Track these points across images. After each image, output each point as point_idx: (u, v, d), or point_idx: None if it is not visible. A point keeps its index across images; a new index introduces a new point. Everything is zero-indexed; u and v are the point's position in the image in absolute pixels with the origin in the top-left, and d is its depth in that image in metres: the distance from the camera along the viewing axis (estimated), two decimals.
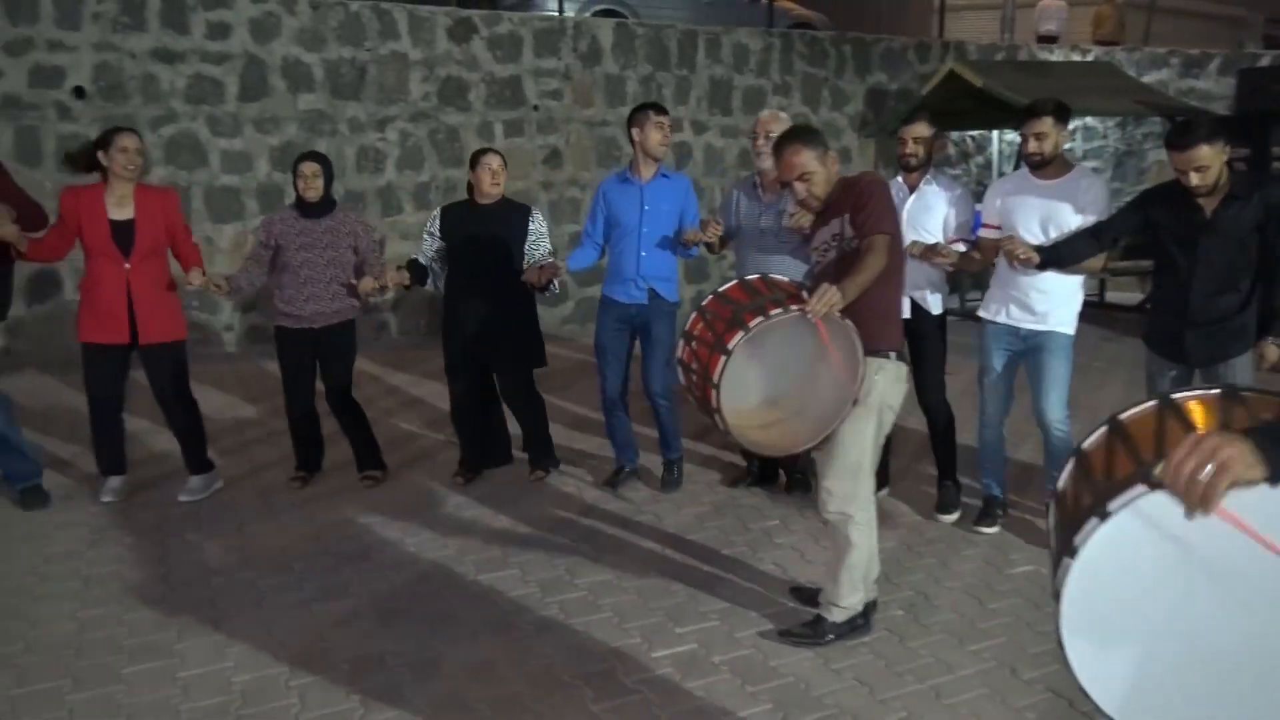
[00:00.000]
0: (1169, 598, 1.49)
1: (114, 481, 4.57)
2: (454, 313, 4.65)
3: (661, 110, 4.51)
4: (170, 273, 4.50)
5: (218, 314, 8.04)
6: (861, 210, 3.02)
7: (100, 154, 4.26)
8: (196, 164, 7.80)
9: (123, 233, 4.29)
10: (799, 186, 3.15)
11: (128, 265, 4.30)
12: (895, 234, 3.09)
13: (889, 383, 3.11)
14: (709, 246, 4.43)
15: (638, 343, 4.64)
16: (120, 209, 4.30)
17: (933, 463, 4.52)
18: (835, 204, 3.15)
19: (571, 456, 5.24)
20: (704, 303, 2.99)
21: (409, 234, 8.43)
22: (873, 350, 3.00)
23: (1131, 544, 1.50)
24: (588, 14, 9.73)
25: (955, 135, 11.02)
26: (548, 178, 9.02)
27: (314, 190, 4.50)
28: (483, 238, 4.55)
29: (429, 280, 4.69)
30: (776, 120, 4.28)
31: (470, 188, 4.70)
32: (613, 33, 9.19)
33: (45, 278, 7.46)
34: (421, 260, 4.68)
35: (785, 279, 3.13)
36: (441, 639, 3.26)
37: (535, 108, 8.88)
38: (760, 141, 4.28)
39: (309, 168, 4.50)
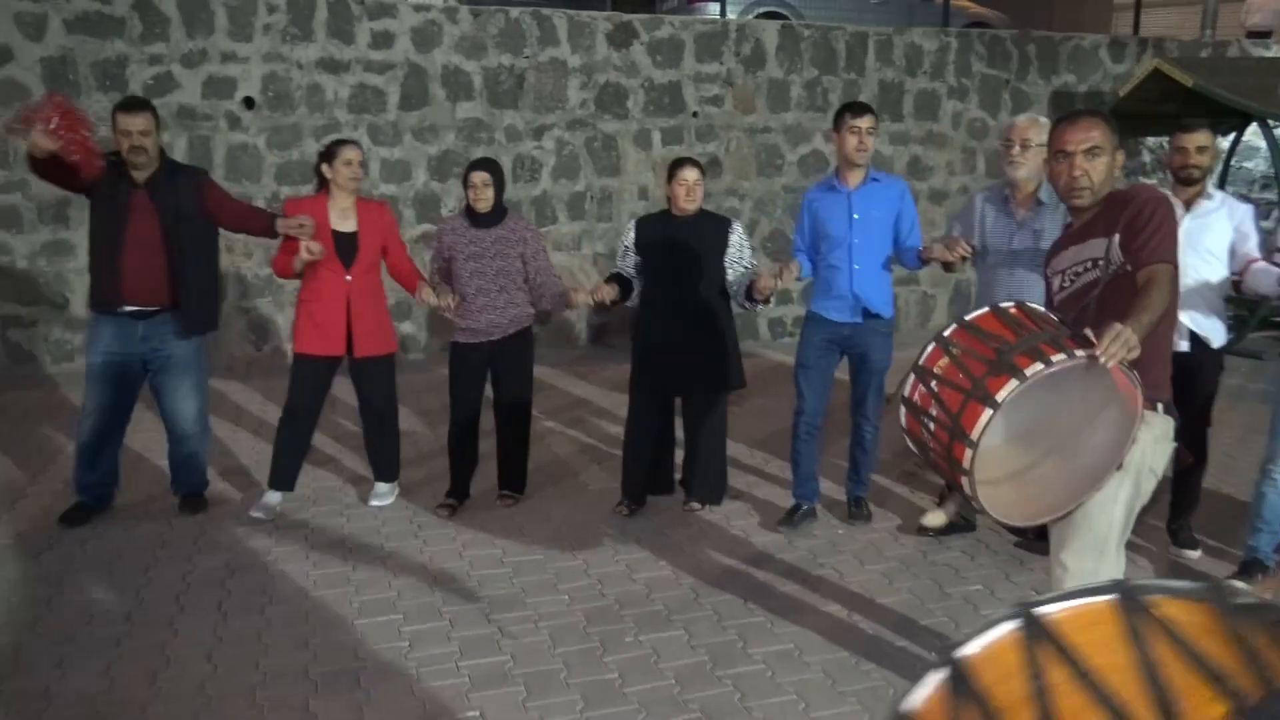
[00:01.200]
0: None
1: (272, 497, 4.43)
2: (649, 331, 4.38)
3: (860, 112, 4.08)
4: (383, 286, 4.46)
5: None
6: (1141, 232, 2.46)
7: (324, 166, 4.26)
8: None
9: (346, 245, 4.26)
10: (1079, 161, 2.56)
11: (349, 278, 4.26)
12: (1176, 264, 2.51)
13: (1152, 441, 2.53)
14: (946, 263, 3.95)
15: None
16: (343, 221, 4.28)
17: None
18: (1099, 220, 2.60)
19: (735, 485, 4.80)
20: (946, 333, 2.40)
21: (562, 244, 8.20)
22: None
23: None
24: (750, 16, 9.30)
25: (1152, 141, 10.02)
26: (706, 187, 8.56)
27: (484, 201, 4.31)
28: (680, 251, 4.25)
29: (633, 295, 4.43)
30: (1036, 126, 3.77)
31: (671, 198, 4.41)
32: (777, 35, 8.71)
33: None
34: (624, 274, 4.42)
35: (1043, 309, 2.52)
36: (601, 715, 2.87)
37: (695, 114, 8.49)
38: (1015, 150, 3.77)
39: (479, 177, 4.31)
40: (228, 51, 7.37)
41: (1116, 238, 2.50)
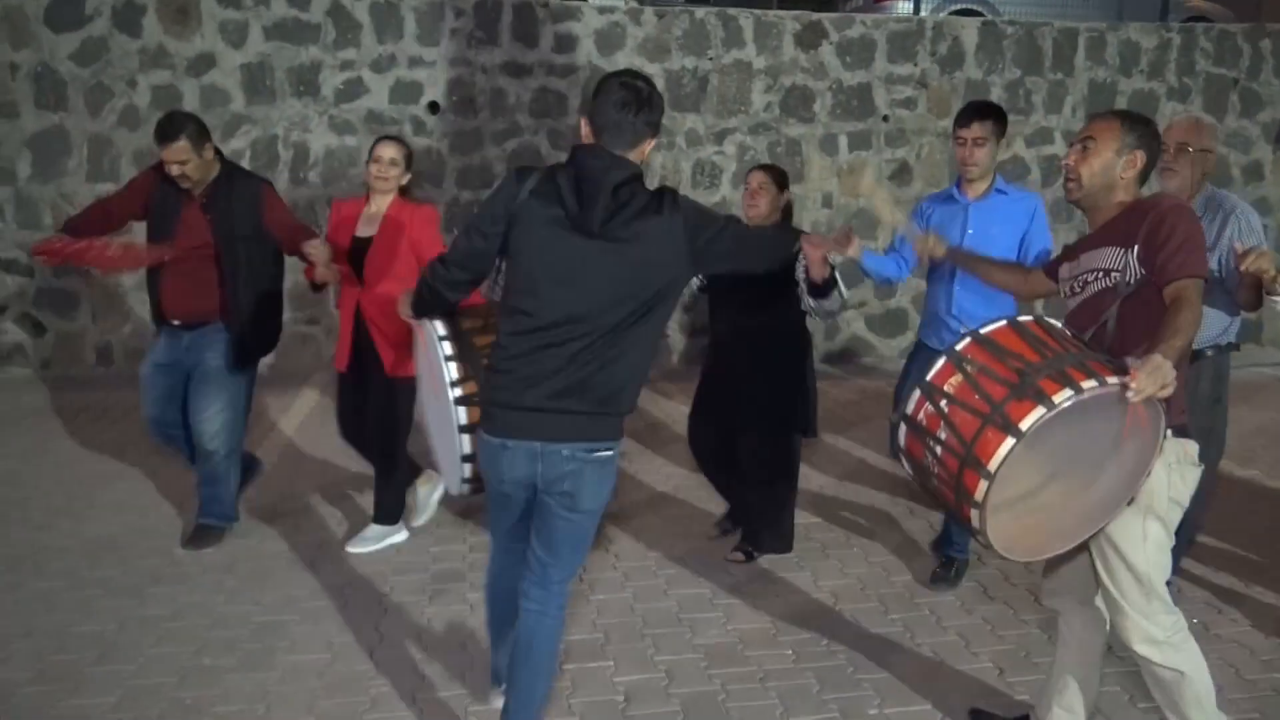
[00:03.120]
0: None
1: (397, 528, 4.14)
2: (714, 347, 4.07)
3: (967, 119, 3.66)
4: None
5: None
6: (1164, 245, 2.25)
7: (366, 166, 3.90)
8: None
9: (360, 253, 3.82)
10: (1072, 153, 2.45)
11: (361, 289, 3.84)
12: (1205, 277, 2.30)
13: (1166, 470, 2.27)
14: None
15: None
16: (368, 225, 3.85)
17: None
18: (1115, 228, 2.39)
19: (866, 519, 4.38)
20: (959, 346, 2.20)
21: None
22: None
23: None
24: (944, 14, 8.72)
25: None
26: (893, 195, 8.10)
27: None
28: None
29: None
30: (1195, 129, 3.32)
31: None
32: (977, 33, 8.11)
33: None
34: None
35: (1061, 327, 2.28)
36: None
37: (885, 118, 8.00)
38: (1169, 156, 3.27)
39: None
40: (415, 56, 7.41)
41: (1135, 250, 2.30)
